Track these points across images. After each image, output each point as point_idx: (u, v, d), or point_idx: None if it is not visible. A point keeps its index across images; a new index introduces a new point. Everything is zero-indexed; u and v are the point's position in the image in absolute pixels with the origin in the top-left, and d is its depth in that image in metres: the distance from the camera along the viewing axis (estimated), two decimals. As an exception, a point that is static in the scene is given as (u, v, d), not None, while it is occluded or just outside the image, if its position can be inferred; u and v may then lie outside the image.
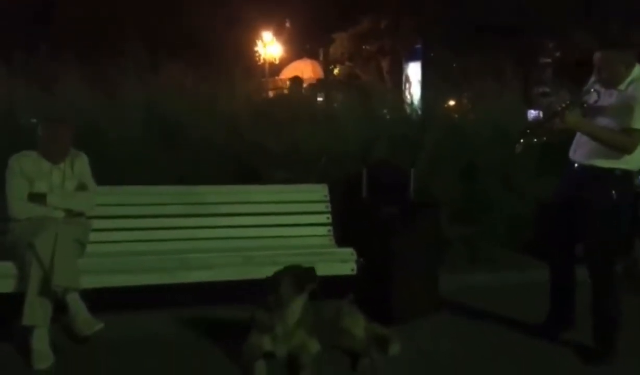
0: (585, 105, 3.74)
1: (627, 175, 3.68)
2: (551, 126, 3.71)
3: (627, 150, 3.57)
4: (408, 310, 4.30)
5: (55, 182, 4.03)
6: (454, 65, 7.13)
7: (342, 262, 4.28)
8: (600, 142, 3.61)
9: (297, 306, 3.51)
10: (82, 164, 4.15)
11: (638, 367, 3.72)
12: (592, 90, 3.72)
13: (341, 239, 4.67)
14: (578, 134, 3.82)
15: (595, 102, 3.72)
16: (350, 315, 3.81)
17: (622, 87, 3.61)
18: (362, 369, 3.46)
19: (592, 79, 3.79)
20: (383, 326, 3.93)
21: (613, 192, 3.66)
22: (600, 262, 3.81)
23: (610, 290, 3.84)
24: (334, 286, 4.11)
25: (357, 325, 3.77)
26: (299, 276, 3.54)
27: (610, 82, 3.66)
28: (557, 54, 18.82)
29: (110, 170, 4.54)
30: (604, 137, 3.60)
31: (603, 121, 3.66)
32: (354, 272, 4.26)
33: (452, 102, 8.07)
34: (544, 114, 3.88)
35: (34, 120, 4.97)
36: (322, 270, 4.11)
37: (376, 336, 3.79)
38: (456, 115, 7.16)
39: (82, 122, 4.77)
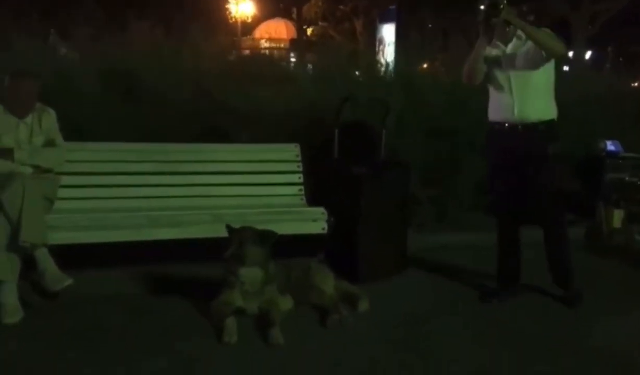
0: None
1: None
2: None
3: (561, 51, 3.83)
4: (376, 268, 4.36)
5: (21, 137, 3.96)
6: (429, 26, 7.11)
7: (313, 221, 4.32)
8: (535, 41, 3.75)
9: (258, 261, 3.55)
10: (50, 119, 4.08)
11: (623, 324, 3.82)
12: None
13: (312, 199, 4.70)
14: (498, 96, 3.97)
15: None
16: (320, 273, 3.87)
17: None
18: (331, 325, 3.51)
19: None
20: (352, 284, 3.99)
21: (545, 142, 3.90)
22: (549, 209, 4.00)
23: (565, 236, 4.09)
24: (304, 245, 4.18)
25: (327, 282, 3.84)
26: (258, 233, 3.59)
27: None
28: (531, 18, 18.89)
29: (73, 126, 4.47)
30: (539, 36, 3.74)
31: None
32: (325, 231, 4.30)
33: (425, 65, 8.08)
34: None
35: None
36: (293, 229, 4.21)
37: (345, 293, 3.86)
38: (427, 79, 7.17)
39: (48, 77, 4.67)
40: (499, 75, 3.96)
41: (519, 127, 3.91)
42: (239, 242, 3.53)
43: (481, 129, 5.75)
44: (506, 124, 3.95)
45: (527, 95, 3.90)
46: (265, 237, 3.59)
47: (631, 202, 5.85)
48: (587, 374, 3.18)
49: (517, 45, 3.93)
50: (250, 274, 3.52)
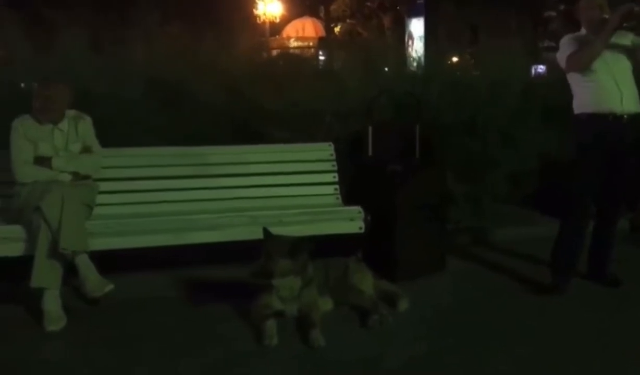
0: None
1: None
2: None
3: None
4: (414, 266, 4.32)
5: (58, 144, 4.01)
6: (459, 20, 7.05)
7: (350, 221, 4.29)
8: None
9: (290, 271, 3.50)
10: (86, 126, 4.14)
11: None
12: None
13: (347, 198, 4.67)
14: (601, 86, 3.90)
15: None
16: (358, 272, 3.84)
17: None
18: (371, 325, 3.49)
19: None
20: (390, 283, 3.96)
21: None
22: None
23: None
24: (341, 244, 4.15)
25: (366, 282, 3.81)
26: (288, 245, 3.50)
27: None
28: (562, 7, 18.59)
29: (112, 132, 4.52)
30: None
31: None
32: (362, 230, 4.27)
33: (455, 59, 8.00)
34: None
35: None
36: (330, 229, 4.19)
37: (384, 293, 3.83)
38: (458, 73, 7.10)
39: (83, 84, 4.73)
40: (603, 65, 3.90)
41: (625, 117, 3.88)
42: (267, 255, 3.48)
43: (515, 122, 5.73)
44: (611, 115, 3.88)
45: (631, 86, 3.93)
46: (297, 248, 3.51)
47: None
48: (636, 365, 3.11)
49: (618, 36, 3.90)
50: (285, 283, 3.49)
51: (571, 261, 4.09)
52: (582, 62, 3.91)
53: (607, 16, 3.89)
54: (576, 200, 4.05)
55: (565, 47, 4.03)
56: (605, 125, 3.89)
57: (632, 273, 4.24)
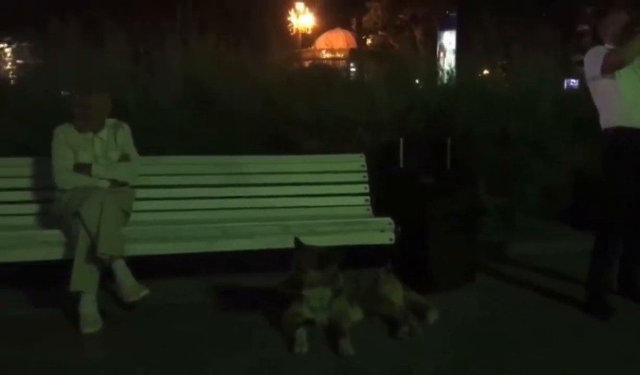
0: None
1: None
2: None
3: None
4: (445, 278, 4.33)
5: (97, 152, 4.12)
6: (491, 33, 7.05)
7: (380, 232, 4.33)
8: None
9: (320, 282, 3.53)
10: (124, 134, 4.25)
11: None
12: None
13: (378, 209, 4.70)
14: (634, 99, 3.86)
15: None
16: (388, 283, 3.87)
17: None
18: (400, 336, 3.50)
19: None
20: (421, 294, 3.98)
21: None
22: None
23: None
24: (372, 255, 4.18)
25: (396, 293, 3.83)
26: (317, 256, 3.54)
27: None
28: (595, 22, 18.42)
29: (149, 141, 4.63)
30: None
31: None
32: (392, 242, 4.30)
33: (486, 71, 8.00)
34: None
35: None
36: (360, 239, 4.24)
37: (414, 304, 3.85)
38: (489, 85, 7.10)
39: (122, 92, 4.85)
40: (633, 76, 3.87)
41: None
42: (298, 265, 3.52)
43: (548, 134, 5.71)
44: None
45: None
46: (327, 259, 3.55)
47: None
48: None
49: None
50: (315, 294, 3.53)
51: (607, 279, 4.05)
52: (624, 57, 3.79)
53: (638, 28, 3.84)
54: (612, 219, 3.99)
55: (596, 59, 3.94)
56: (633, 139, 3.84)
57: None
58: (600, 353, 3.41)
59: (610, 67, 3.84)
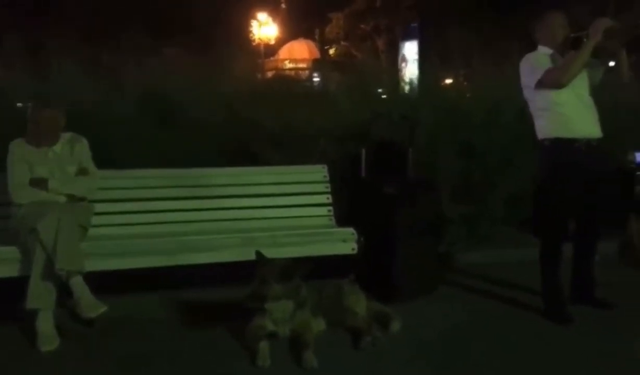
0: None
1: None
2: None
3: None
4: (408, 288, 4.34)
5: (53, 166, 4.04)
6: (452, 42, 7.13)
7: (343, 242, 4.33)
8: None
9: (283, 295, 3.51)
10: (82, 148, 4.17)
11: None
12: None
13: (341, 219, 4.70)
14: (574, 111, 3.91)
15: None
16: (352, 294, 3.86)
17: None
18: (363, 346, 3.50)
19: None
20: (384, 304, 3.98)
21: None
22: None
23: None
24: (335, 265, 4.18)
25: (359, 303, 3.82)
26: (280, 270, 3.52)
27: None
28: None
29: (109, 153, 4.55)
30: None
31: None
32: (355, 252, 4.30)
33: (448, 81, 8.08)
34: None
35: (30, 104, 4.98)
36: (323, 250, 4.22)
37: (377, 314, 3.85)
38: (452, 95, 7.17)
39: (81, 106, 4.77)
40: (570, 88, 3.88)
41: (593, 142, 3.91)
42: (260, 279, 3.49)
43: (513, 144, 5.78)
44: (580, 140, 3.89)
45: (595, 112, 3.97)
46: (289, 272, 3.53)
47: (662, 214, 5.76)
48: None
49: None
50: (278, 307, 3.51)
51: (560, 285, 4.09)
52: (564, 78, 3.82)
53: (573, 35, 3.92)
54: (551, 225, 4.08)
55: (532, 67, 3.98)
56: (572, 150, 3.89)
57: (622, 296, 4.24)
58: (565, 358, 3.46)
59: (548, 86, 3.90)
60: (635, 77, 6.70)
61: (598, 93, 4.09)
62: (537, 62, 3.98)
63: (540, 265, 4.10)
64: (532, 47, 4.16)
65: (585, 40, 3.80)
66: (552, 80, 3.87)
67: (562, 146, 3.92)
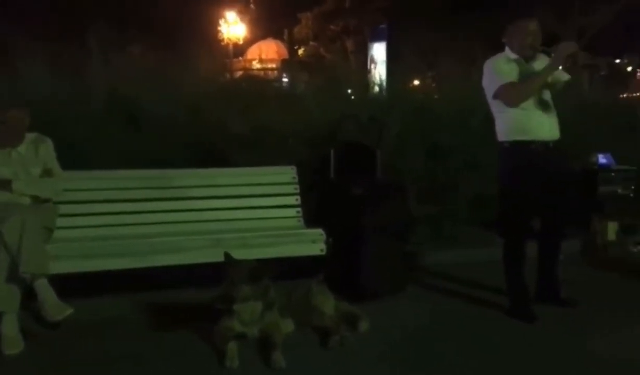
0: None
1: None
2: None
3: None
4: (376, 288, 4.37)
5: (17, 167, 3.98)
6: (420, 44, 7.20)
7: (312, 243, 4.35)
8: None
9: (251, 296, 3.51)
10: (46, 149, 4.11)
11: (622, 336, 3.83)
12: None
13: (310, 220, 4.72)
14: (531, 114, 4.00)
15: None
16: (320, 294, 3.87)
17: None
18: (332, 346, 3.51)
19: None
20: (352, 304, 4.00)
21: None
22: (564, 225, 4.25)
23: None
24: (303, 266, 4.19)
25: (327, 303, 3.83)
26: (248, 271, 3.51)
27: None
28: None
29: (73, 153, 4.50)
30: None
31: None
32: (324, 253, 4.32)
33: (416, 82, 8.15)
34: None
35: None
36: (292, 251, 4.24)
37: (346, 314, 3.86)
38: (420, 96, 7.24)
39: (44, 106, 4.70)
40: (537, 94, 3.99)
41: (550, 144, 3.99)
42: (229, 280, 3.48)
43: (477, 145, 5.86)
44: (537, 143, 3.96)
45: (554, 114, 4.05)
46: (258, 273, 3.53)
47: (624, 215, 5.90)
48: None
49: (542, 63, 4.02)
50: (246, 308, 3.50)
51: (524, 284, 4.14)
52: (519, 99, 3.95)
53: (542, 47, 4.03)
54: (512, 226, 4.15)
55: (491, 75, 4.07)
56: (529, 152, 3.96)
57: (585, 294, 4.34)
58: (532, 355, 3.50)
59: (502, 100, 4.01)
60: (598, 81, 6.90)
61: (562, 95, 4.19)
62: (497, 69, 4.05)
63: (504, 265, 4.17)
64: (499, 48, 4.21)
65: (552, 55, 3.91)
66: (506, 99, 3.99)
67: (520, 148, 4.00)
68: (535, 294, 4.26)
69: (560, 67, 3.98)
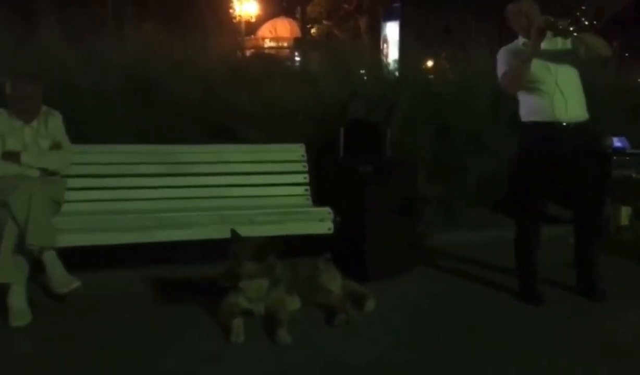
0: None
1: None
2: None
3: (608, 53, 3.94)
4: (383, 268, 4.36)
5: (27, 140, 3.98)
6: (432, 24, 7.14)
7: (319, 221, 4.33)
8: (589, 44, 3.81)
9: (257, 273, 3.51)
10: (56, 122, 4.11)
11: (635, 319, 3.81)
12: None
13: (318, 198, 4.71)
14: (545, 96, 3.90)
15: None
16: (327, 272, 3.86)
17: None
18: (337, 324, 3.51)
19: None
20: (359, 283, 3.99)
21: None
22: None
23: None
24: (311, 244, 4.18)
25: (334, 282, 3.83)
26: (255, 248, 3.50)
27: None
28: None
29: (84, 128, 4.49)
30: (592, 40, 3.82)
31: None
32: (331, 231, 4.31)
33: (430, 63, 8.08)
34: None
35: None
36: (299, 229, 4.23)
37: (352, 293, 3.86)
38: (431, 76, 7.18)
39: (57, 79, 4.69)
40: (547, 73, 3.89)
41: (570, 125, 3.89)
42: (235, 257, 3.48)
43: (486, 126, 5.82)
44: (556, 124, 3.88)
45: (576, 93, 3.93)
46: (264, 251, 3.52)
47: (638, 199, 5.83)
48: (600, 365, 3.16)
49: (554, 42, 3.92)
50: (252, 285, 3.51)
51: (534, 267, 4.10)
52: (510, 87, 3.97)
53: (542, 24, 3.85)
54: (523, 206, 4.10)
55: (500, 63, 4.02)
56: (550, 133, 3.89)
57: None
58: (538, 337, 3.48)
59: (507, 90, 4.05)
60: (615, 62, 6.80)
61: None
62: (499, 58, 4.04)
63: (515, 247, 4.14)
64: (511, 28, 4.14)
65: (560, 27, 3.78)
66: (503, 88, 4.05)
67: (534, 128, 3.96)
68: (576, 284, 4.16)
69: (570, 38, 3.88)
